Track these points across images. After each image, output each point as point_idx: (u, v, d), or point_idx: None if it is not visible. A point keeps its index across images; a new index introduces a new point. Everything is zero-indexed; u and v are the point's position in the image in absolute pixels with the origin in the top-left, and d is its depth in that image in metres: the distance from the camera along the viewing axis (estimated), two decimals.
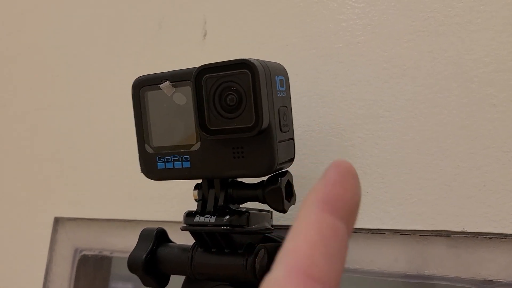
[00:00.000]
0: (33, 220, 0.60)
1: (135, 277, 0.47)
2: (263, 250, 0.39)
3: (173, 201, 0.51)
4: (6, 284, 0.61)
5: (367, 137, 0.42)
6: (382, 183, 0.41)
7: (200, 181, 0.40)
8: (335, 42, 0.45)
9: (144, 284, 0.43)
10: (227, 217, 0.37)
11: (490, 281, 0.37)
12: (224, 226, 0.37)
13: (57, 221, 0.58)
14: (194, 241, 0.42)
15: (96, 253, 0.54)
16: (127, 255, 0.52)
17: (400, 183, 0.41)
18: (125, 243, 0.53)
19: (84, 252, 0.55)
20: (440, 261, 0.39)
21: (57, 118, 0.62)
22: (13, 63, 0.68)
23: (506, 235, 0.37)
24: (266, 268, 0.40)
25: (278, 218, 0.45)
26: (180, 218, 0.47)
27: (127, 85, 0.57)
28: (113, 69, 0.58)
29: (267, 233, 0.41)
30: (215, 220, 0.37)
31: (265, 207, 0.41)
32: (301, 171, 0.45)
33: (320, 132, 0.44)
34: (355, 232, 0.42)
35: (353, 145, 0.43)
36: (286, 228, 0.45)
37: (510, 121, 0.38)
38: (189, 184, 0.43)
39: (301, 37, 0.46)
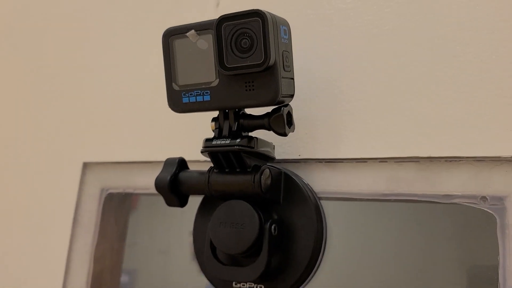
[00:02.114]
0: (63, 165, 0.68)
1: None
2: (267, 169, 0.48)
3: (191, 143, 0.60)
4: (38, 218, 0.69)
5: (353, 84, 0.51)
6: (366, 123, 0.50)
7: (216, 114, 0.49)
8: (328, 9, 0.54)
9: (168, 203, 0.52)
10: (239, 139, 0.46)
11: (448, 196, 0.46)
12: (237, 146, 0.46)
13: (86, 165, 0.66)
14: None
15: (120, 191, 0.63)
16: (149, 191, 0.61)
17: (380, 121, 0.50)
18: (147, 182, 0.62)
19: (110, 191, 0.64)
20: (411, 182, 0.48)
21: (84, 67, 0.70)
22: (43, 20, 0.76)
23: (462, 157, 0.46)
24: (271, 186, 0.49)
25: (279, 153, 0.54)
26: (196, 158, 0.56)
27: (142, 44, 0.66)
28: (128, 33, 0.67)
29: (271, 160, 0.50)
30: (229, 141, 0.47)
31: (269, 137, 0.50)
32: (296, 113, 0.54)
33: (313, 82, 0.54)
34: (342, 162, 0.51)
35: (341, 92, 0.52)
36: (284, 161, 0.54)
37: None
38: (206, 122, 0.52)
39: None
